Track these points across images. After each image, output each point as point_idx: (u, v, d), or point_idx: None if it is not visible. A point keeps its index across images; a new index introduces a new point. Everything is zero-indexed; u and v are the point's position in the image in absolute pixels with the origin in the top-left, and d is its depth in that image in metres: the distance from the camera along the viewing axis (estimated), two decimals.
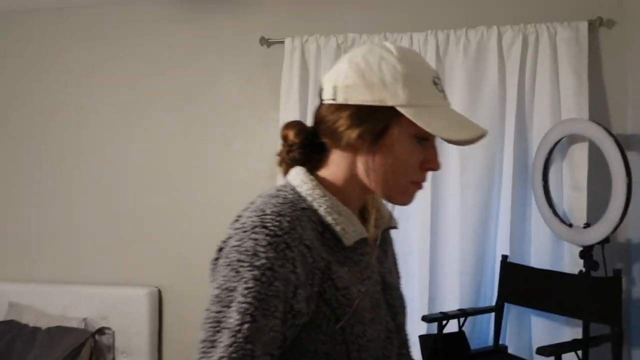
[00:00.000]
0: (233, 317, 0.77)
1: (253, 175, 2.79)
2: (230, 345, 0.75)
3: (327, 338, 0.82)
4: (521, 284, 2.29)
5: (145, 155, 2.92)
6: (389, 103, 0.84)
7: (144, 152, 2.93)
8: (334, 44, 2.60)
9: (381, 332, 0.88)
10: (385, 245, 0.97)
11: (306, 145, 0.92)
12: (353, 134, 0.86)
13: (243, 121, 2.82)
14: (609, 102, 2.42)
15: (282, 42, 2.68)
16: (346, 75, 0.87)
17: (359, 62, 0.87)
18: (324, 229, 0.86)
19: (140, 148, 2.93)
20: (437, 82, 0.86)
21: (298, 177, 0.90)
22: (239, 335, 0.76)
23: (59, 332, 2.72)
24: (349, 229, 0.86)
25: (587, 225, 2.20)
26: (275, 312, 0.77)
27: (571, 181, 2.33)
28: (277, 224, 0.80)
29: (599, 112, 2.37)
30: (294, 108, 2.62)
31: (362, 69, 0.86)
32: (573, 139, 2.31)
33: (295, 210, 0.84)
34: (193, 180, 2.86)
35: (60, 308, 2.84)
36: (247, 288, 0.77)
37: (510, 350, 2.35)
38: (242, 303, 0.77)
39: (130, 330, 2.79)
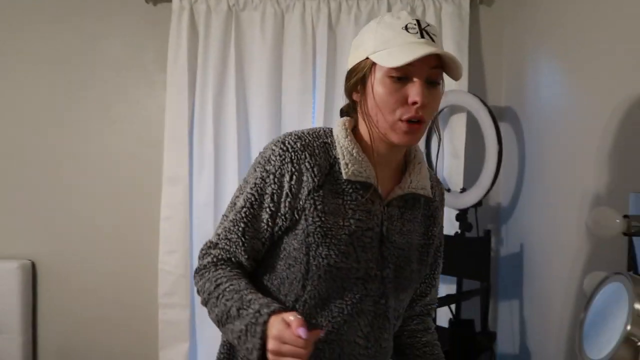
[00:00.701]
0: (240, 202, 1.03)
1: (136, 142, 2.65)
2: (232, 221, 1.03)
3: (298, 245, 1.01)
4: None
5: (15, 119, 2.65)
6: (363, 56, 1.00)
7: (14, 116, 2.66)
8: (225, 6, 2.51)
9: (353, 270, 1.00)
10: (410, 209, 1.07)
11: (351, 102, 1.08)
12: (348, 90, 1.05)
13: (125, 85, 2.64)
14: (486, 76, 2.59)
15: (170, 1, 2.53)
16: (350, 50, 1.06)
17: (357, 37, 1.05)
18: (334, 162, 1.03)
19: (9, 111, 2.66)
20: (410, 27, 0.98)
21: (338, 122, 1.07)
22: (240, 215, 1.03)
23: None
24: (352, 168, 1.00)
25: (463, 190, 2.36)
26: (267, 208, 1.01)
27: (451, 149, 2.48)
28: (292, 142, 1.02)
29: (477, 85, 2.53)
30: (182, 71, 2.50)
31: (356, 40, 1.05)
32: (453, 109, 2.45)
33: (315, 139, 1.03)
34: (69, 146, 2.65)
35: None
36: (255, 183, 1.03)
37: None
38: (249, 194, 1.03)
39: (0, 307, 2.57)
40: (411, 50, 0.94)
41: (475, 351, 2.02)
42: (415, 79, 0.96)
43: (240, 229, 1.02)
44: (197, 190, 2.53)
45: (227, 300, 0.99)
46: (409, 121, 0.97)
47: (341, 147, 1.02)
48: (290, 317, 0.90)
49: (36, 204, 2.66)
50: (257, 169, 1.03)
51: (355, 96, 1.05)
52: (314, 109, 2.55)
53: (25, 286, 2.60)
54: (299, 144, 1.01)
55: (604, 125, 1.59)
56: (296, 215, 1.00)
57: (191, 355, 2.56)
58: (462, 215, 2.33)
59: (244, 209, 1.02)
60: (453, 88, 2.42)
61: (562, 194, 1.89)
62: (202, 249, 1.09)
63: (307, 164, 1.00)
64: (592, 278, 1.30)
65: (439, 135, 1.16)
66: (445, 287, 2.46)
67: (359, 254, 1.00)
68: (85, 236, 2.65)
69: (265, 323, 0.93)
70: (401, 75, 0.96)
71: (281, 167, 1.00)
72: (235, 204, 1.05)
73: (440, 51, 0.95)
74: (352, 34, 2.49)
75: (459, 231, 2.35)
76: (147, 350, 2.63)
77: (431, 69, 0.97)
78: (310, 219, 1.00)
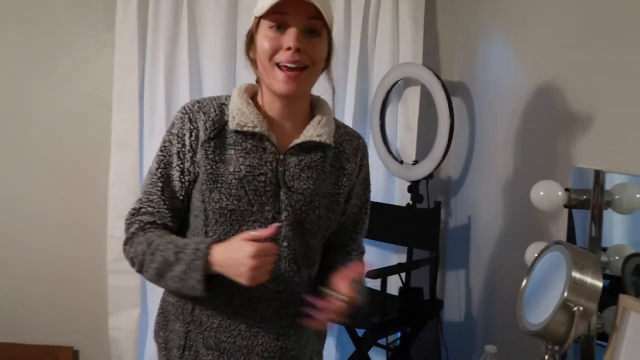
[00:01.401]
0: (154, 165, 1.13)
1: (84, 102, 2.53)
2: (150, 184, 1.12)
3: (198, 195, 1.10)
4: None
5: None
6: (253, 14, 1.09)
7: None
8: None
9: (248, 213, 1.08)
10: (309, 157, 1.13)
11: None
12: (245, 51, 1.14)
13: (70, 41, 2.51)
14: (440, 50, 2.61)
15: None
16: None
17: None
18: (228, 119, 1.11)
19: None
20: None
21: (238, 85, 1.17)
22: (155, 176, 1.12)
23: None
24: (238, 120, 1.09)
25: (416, 162, 2.40)
26: (177, 166, 1.11)
27: (404, 121, 2.51)
28: (190, 106, 1.13)
29: (431, 58, 2.56)
30: (132, 27, 2.39)
31: None
32: (408, 82, 2.48)
33: (213, 101, 1.14)
34: (9, 107, 2.52)
35: None
36: (163, 147, 1.13)
37: None
38: (159, 156, 1.13)
39: None
40: None
41: (423, 318, 2.10)
42: (291, 27, 1.03)
43: (158, 188, 1.11)
44: (148, 155, 2.47)
45: (162, 251, 1.05)
46: (288, 68, 1.03)
47: (233, 104, 1.12)
48: (251, 232, 1.01)
49: None
50: (165, 134, 1.14)
51: (252, 55, 1.13)
52: None
53: None
54: (196, 106, 1.12)
55: (548, 101, 1.65)
56: (197, 168, 1.10)
57: (142, 322, 2.54)
58: (413, 187, 2.38)
59: (158, 170, 1.12)
60: (408, 61, 2.46)
61: (509, 168, 1.96)
62: (126, 219, 1.13)
63: (201, 121, 1.10)
64: (533, 248, 1.36)
65: (333, 87, 1.21)
66: (397, 257, 2.54)
67: (250, 197, 1.08)
68: (30, 198, 2.55)
69: (206, 256, 1.01)
70: (278, 24, 1.04)
71: (182, 127, 1.10)
72: (150, 172, 1.14)
73: None
74: None
75: (410, 202, 2.40)
76: (96, 317, 2.59)
77: (309, 19, 1.03)
78: (203, 167, 1.09)
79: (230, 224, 1.08)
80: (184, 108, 1.12)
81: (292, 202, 1.10)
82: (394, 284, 2.34)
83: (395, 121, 2.54)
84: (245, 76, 2.34)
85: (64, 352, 2.60)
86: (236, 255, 0.98)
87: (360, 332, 2.34)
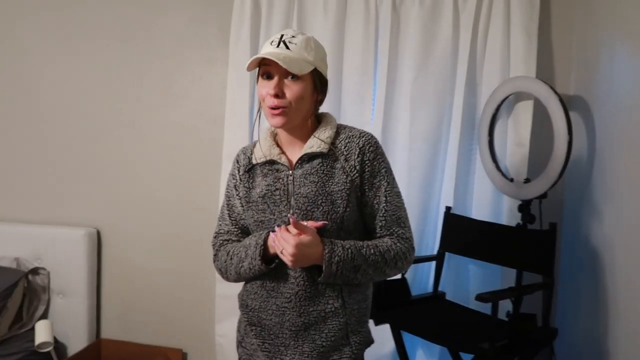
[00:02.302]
0: (223, 200, 1.53)
1: (195, 118, 2.69)
2: (221, 213, 1.53)
3: (245, 216, 1.45)
4: (462, 235, 2.38)
5: (82, 92, 2.75)
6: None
7: (81, 89, 2.75)
8: None
9: (272, 220, 1.38)
10: (309, 166, 1.38)
11: None
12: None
13: (187, 61, 2.68)
14: (554, 62, 2.48)
15: None
16: None
17: None
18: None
19: (76, 84, 2.76)
20: (273, 41, 1.35)
21: None
22: (224, 207, 1.52)
23: None
24: (257, 154, 1.43)
25: (528, 180, 2.29)
26: (235, 196, 1.47)
27: (515, 137, 2.40)
28: (238, 151, 1.53)
29: (545, 71, 2.43)
30: (245, 47, 2.51)
31: None
32: (519, 96, 2.37)
33: (250, 145, 1.52)
34: (133, 120, 2.73)
35: None
36: (227, 184, 1.52)
37: (448, 297, 2.46)
38: (225, 192, 1.53)
39: (67, 272, 2.71)
40: (257, 55, 1.31)
41: (535, 347, 1.98)
42: (274, 76, 1.32)
43: (226, 215, 1.49)
44: None
45: (236, 254, 1.41)
46: (272, 108, 1.32)
47: (258, 143, 1.45)
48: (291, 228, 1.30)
49: (102, 175, 2.77)
50: (228, 177, 1.52)
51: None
52: (374, 91, 2.51)
53: (91, 253, 2.72)
54: (240, 150, 1.51)
55: None
56: (241, 195, 1.45)
57: None
58: (525, 207, 2.27)
59: (226, 202, 1.50)
60: (519, 74, 2.35)
61: (633, 189, 1.81)
62: (212, 242, 1.51)
63: (242, 160, 1.47)
64: None
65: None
66: (503, 279, 2.42)
67: (271, 208, 1.38)
68: (146, 207, 2.74)
69: (261, 246, 1.35)
70: (265, 74, 1.34)
71: (233, 168, 1.49)
72: (222, 204, 1.53)
73: (268, 56, 1.28)
74: (416, 16, 2.43)
75: (521, 223, 2.29)
76: (203, 322, 2.72)
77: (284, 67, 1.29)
78: (242, 194, 1.44)
79: (265, 229, 1.39)
80: (236, 155, 1.51)
81: (299, 204, 1.36)
82: (503, 309, 2.24)
83: (505, 137, 2.44)
84: (351, 92, 2.40)
85: (174, 354, 2.75)
86: (283, 244, 1.29)
87: (466, 357, 2.27)
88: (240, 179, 1.45)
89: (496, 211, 2.48)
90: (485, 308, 2.36)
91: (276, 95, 1.31)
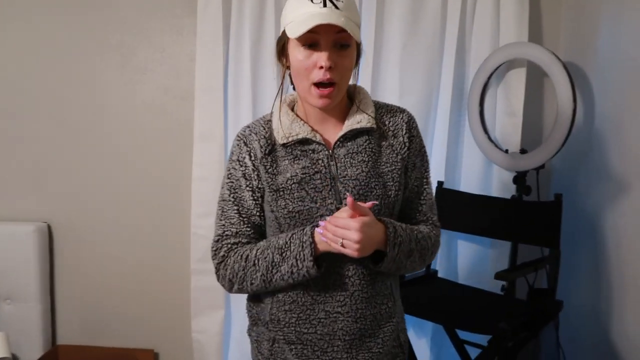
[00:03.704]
0: (225, 192, 1.23)
1: (160, 95, 2.40)
2: (226, 210, 1.21)
3: (268, 207, 1.19)
4: (457, 210, 2.29)
5: (28, 68, 2.37)
6: (282, 28, 1.14)
7: (27, 65, 2.37)
8: None
9: (314, 209, 1.15)
10: (355, 143, 1.20)
11: None
12: (277, 57, 1.20)
13: (148, 30, 2.37)
14: (543, 28, 2.41)
15: None
16: None
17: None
18: (272, 133, 1.22)
19: (21, 60, 2.36)
20: None
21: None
22: (229, 203, 1.21)
23: None
24: (283, 133, 1.18)
25: (524, 151, 2.22)
26: (246, 187, 1.20)
27: (506, 107, 2.32)
28: (242, 132, 1.24)
29: (534, 38, 2.35)
30: (217, 13, 2.24)
31: (283, 9, 1.16)
32: (511, 64, 2.28)
33: (260, 121, 1.25)
34: (87, 100, 2.39)
35: None
36: (229, 174, 1.23)
37: (440, 275, 2.37)
38: (227, 184, 1.23)
39: (15, 273, 2.36)
40: (310, 21, 1.05)
41: (545, 320, 1.93)
42: (322, 45, 1.09)
43: (235, 211, 1.20)
44: None
45: (265, 258, 1.15)
46: (320, 85, 1.11)
47: (274, 120, 1.21)
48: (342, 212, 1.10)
49: (52, 162, 2.42)
50: (228, 163, 1.24)
51: (283, 61, 1.19)
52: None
53: (42, 251, 2.39)
54: (247, 131, 1.23)
55: None
56: (262, 184, 1.19)
57: (226, 323, 2.42)
58: (520, 178, 2.20)
59: (231, 195, 1.21)
60: (510, 41, 2.26)
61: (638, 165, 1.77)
62: (212, 247, 1.22)
63: (255, 142, 1.20)
64: None
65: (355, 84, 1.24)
66: (493, 252, 2.37)
67: (312, 195, 1.16)
68: (106, 196, 2.43)
69: (311, 244, 1.11)
70: (310, 43, 1.09)
71: (240, 152, 1.21)
72: (222, 200, 1.23)
73: (329, 20, 1.04)
74: None
75: (516, 195, 2.22)
76: (178, 319, 2.48)
77: (337, 33, 1.08)
78: (265, 182, 1.18)
79: (302, 224, 1.16)
80: (238, 135, 1.24)
81: (349, 189, 1.16)
82: (495, 283, 2.16)
83: (494, 107, 2.36)
84: None
85: (144, 355, 2.50)
86: (343, 232, 1.06)
87: (461, 333, 2.20)
88: (258, 165, 1.19)
89: (486, 184, 2.41)
90: (478, 284, 2.31)
91: (329, 68, 1.09)
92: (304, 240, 1.12)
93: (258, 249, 1.17)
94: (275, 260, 1.14)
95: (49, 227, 2.45)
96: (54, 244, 2.47)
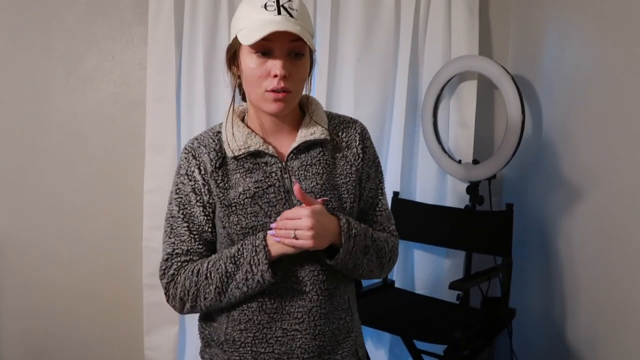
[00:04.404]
0: (174, 209, 1.17)
1: (109, 104, 2.32)
2: (175, 228, 1.16)
3: (219, 223, 1.15)
4: (412, 220, 2.30)
5: None
6: (233, 34, 1.11)
7: None
8: None
9: (267, 225, 1.11)
10: (309, 156, 1.17)
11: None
12: (227, 65, 1.17)
13: (97, 37, 2.29)
14: (492, 41, 2.48)
15: None
16: None
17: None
18: (222, 146, 1.18)
19: None
20: (269, 5, 1.06)
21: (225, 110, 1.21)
22: (178, 219, 1.16)
23: None
24: (234, 145, 1.14)
25: (476, 161, 2.26)
26: (196, 203, 1.15)
27: (459, 118, 2.37)
28: (189, 144, 1.19)
29: (484, 50, 2.41)
30: (168, 20, 2.18)
31: (234, 16, 1.14)
32: (462, 76, 2.33)
33: (208, 133, 1.20)
34: (32, 110, 2.28)
35: None
36: (177, 189, 1.18)
37: (397, 285, 2.38)
38: (176, 199, 1.17)
39: None
40: (264, 28, 1.03)
41: (498, 328, 1.96)
42: (276, 53, 1.07)
43: (185, 228, 1.15)
44: None
45: (217, 269, 1.11)
46: (275, 92, 1.08)
47: (224, 132, 1.17)
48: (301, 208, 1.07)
49: None
50: (175, 177, 1.20)
51: (234, 70, 1.17)
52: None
53: None
54: (195, 143, 1.18)
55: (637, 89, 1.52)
56: (213, 199, 1.15)
57: (181, 339, 2.35)
58: (473, 188, 2.25)
59: (180, 212, 1.16)
60: (462, 54, 2.31)
61: (589, 165, 1.83)
62: (161, 266, 1.17)
63: (205, 155, 1.15)
64: None
65: (308, 94, 1.22)
66: (448, 262, 2.40)
67: (266, 209, 1.13)
68: (53, 210, 2.32)
69: (265, 247, 1.07)
70: (263, 50, 1.07)
71: (188, 166, 1.16)
72: (171, 216, 1.18)
73: (285, 28, 1.02)
74: None
75: (469, 204, 2.26)
76: (130, 335, 2.38)
77: (292, 42, 1.07)
78: (216, 196, 1.14)
79: (245, 237, 1.13)
80: (186, 148, 1.19)
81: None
82: (451, 292, 2.19)
83: (447, 119, 2.40)
84: None
85: None
86: (294, 223, 1.04)
87: (418, 343, 2.21)
88: (208, 179, 1.15)
89: (440, 194, 2.44)
90: (435, 293, 2.33)
91: (284, 77, 1.07)
92: (257, 244, 1.08)
93: (209, 262, 1.12)
94: (229, 269, 1.10)
95: None
96: (1, 262, 2.35)
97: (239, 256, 1.10)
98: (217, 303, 1.14)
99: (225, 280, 1.10)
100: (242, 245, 1.10)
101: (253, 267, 1.08)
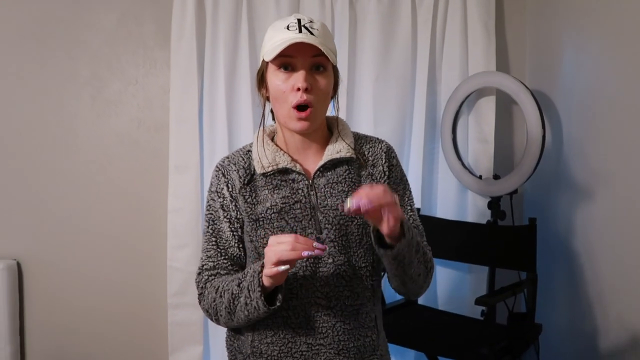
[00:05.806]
0: (205, 225, 1.23)
1: (133, 127, 2.38)
2: (205, 242, 1.22)
3: (248, 238, 1.19)
4: (435, 236, 2.28)
5: None
6: (261, 57, 1.18)
7: None
8: None
9: None
10: (335, 173, 1.20)
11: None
12: (257, 88, 1.22)
13: (122, 62, 2.36)
14: (509, 57, 2.49)
15: None
16: None
17: None
18: (251, 163, 1.22)
19: None
20: (291, 26, 1.12)
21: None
22: (207, 234, 1.22)
23: None
24: (263, 162, 1.18)
25: (497, 177, 2.26)
26: (224, 219, 1.20)
27: (478, 134, 2.38)
28: (221, 162, 1.24)
29: (501, 67, 2.43)
30: (190, 46, 2.25)
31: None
32: (481, 92, 2.35)
33: (239, 152, 1.24)
34: (58, 134, 2.35)
35: None
36: (209, 206, 1.23)
37: (420, 302, 2.37)
38: (207, 215, 1.23)
39: None
40: (285, 44, 1.09)
41: (525, 344, 1.95)
42: (299, 67, 1.12)
43: (213, 244, 1.20)
44: (209, 179, 2.30)
45: (227, 289, 1.13)
46: (298, 108, 1.11)
47: (254, 150, 1.21)
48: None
49: (22, 197, 2.35)
50: (207, 195, 1.25)
51: (263, 92, 1.21)
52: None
53: (11, 289, 2.30)
54: (226, 162, 1.23)
55: None
56: (241, 215, 1.19)
57: (205, 359, 2.36)
58: (494, 203, 2.24)
59: (209, 227, 1.21)
60: (479, 71, 2.33)
61: (613, 178, 1.82)
62: (195, 280, 1.23)
63: (234, 172, 1.20)
64: None
65: (337, 112, 1.27)
66: (470, 277, 2.40)
67: (292, 225, 1.15)
68: (79, 232, 2.37)
69: (259, 273, 1.06)
70: (286, 65, 1.12)
71: (218, 183, 1.21)
72: (204, 232, 1.23)
73: (303, 40, 1.08)
74: (373, 11, 2.33)
75: (491, 220, 2.26)
76: (155, 355, 2.40)
77: (313, 57, 1.12)
78: (244, 212, 1.18)
79: None
80: (217, 166, 1.24)
81: (329, 219, 1.16)
82: (474, 308, 2.18)
83: (466, 135, 2.41)
84: None
85: None
86: (276, 247, 1.03)
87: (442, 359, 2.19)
88: (236, 196, 1.19)
89: (461, 210, 2.44)
90: (458, 309, 2.32)
91: (306, 90, 1.10)
92: (257, 269, 1.08)
93: (227, 281, 1.15)
94: (234, 291, 1.12)
95: (19, 265, 2.37)
96: (24, 282, 2.38)
97: (242, 278, 1.12)
98: (230, 322, 1.16)
99: (232, 301, 1.12)
100: (249, 267, 1.12)
101: (250, 293, 1.09)
